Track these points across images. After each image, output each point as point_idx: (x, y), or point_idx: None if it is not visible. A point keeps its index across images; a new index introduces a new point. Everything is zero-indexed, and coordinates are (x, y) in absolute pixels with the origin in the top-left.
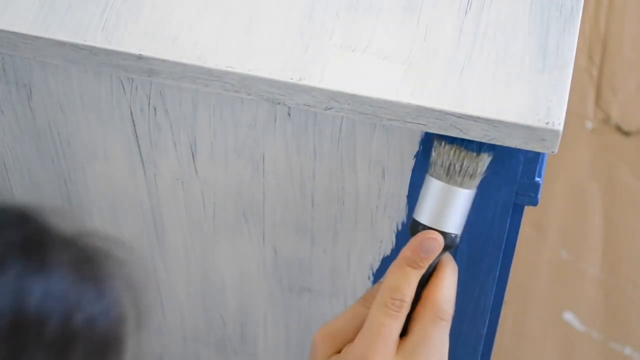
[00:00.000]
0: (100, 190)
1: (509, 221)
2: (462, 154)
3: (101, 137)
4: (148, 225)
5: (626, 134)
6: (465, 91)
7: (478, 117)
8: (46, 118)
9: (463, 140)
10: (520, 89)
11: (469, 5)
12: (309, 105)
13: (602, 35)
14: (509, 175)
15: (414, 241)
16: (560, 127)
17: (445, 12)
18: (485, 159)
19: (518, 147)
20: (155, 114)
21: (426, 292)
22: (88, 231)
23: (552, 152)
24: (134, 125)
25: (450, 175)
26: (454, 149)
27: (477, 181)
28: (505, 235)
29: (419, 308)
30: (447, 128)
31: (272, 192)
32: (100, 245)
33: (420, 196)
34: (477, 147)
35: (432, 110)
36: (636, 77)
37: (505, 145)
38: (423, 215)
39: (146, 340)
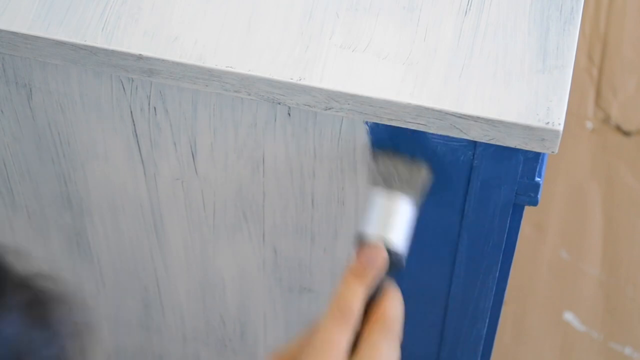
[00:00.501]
0: (100, 190)
1: (509, 221)
2: (397, 161)
3: (101, 137)
4: (148, 225)
5: (626, 134)
6: (465, 91)
7: (478, 117)
8: (46, 118)
9: (398, 149)
10: (520, 89)
11: (469, 5)
12: (309, 105)
13: (602, 35)
14: (509, 175)
15: (358, 254)
16: (560, 127)
17: (445, 12)
18: (420, 167)
19: (518, 147)
20: (155, 114)
21: (375, 310)
22: (41, 273)
23: (552, 152)
24: (134, 125)
25: (388, 183)
26: (389, 158)
27: (415, 188)
28: (505, 235)
29: (369, 324)
30: (447, 128)
31: (272, 192)
32: (52, 288)
33: (367, 209)
34: (410, 155)
35: (432, 110)
36: (636, 77)
37: (505, 145)
38: (366, 225)
39: (146, 340)
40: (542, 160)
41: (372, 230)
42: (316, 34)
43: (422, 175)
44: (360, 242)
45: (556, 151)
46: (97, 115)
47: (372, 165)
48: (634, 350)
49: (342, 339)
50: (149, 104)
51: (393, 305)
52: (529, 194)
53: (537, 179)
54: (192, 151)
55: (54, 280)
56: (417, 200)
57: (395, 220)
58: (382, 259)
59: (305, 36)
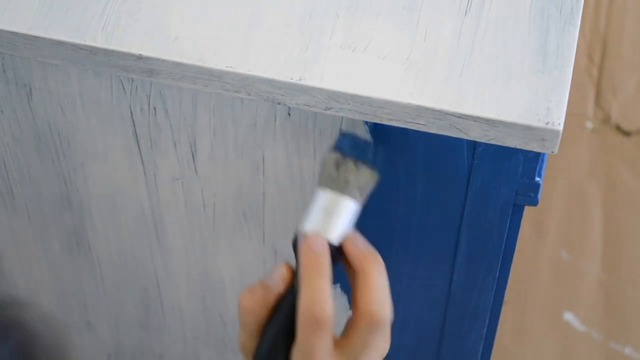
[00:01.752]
0: (100, 190)
1: (509, 221)
2: (354, 166)
3: (101, 137)
4: (148, 225)
5: (626, 134)
6: (465, 91)
7: (478, 117)
8: (46, 118)
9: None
10: (520, 89)
11: (469, 5)
12: (309, 105)
13: (602, 35)
14: (509, 175)
15: (302, 250)
16: (560, 127)
17: (445, 12)
18: (373, 173)
19: (518, 147)
20: (155, 114)
21: (356, 300)
22: (5, 301)
23: (552, 152)
24: (134, 125)
25: (340, 187)
26: (346, 162)
27: (365, 193)
28: (505, 235)
29: (354, 316)
30: (447, 128)
31: (272, 192)
32: (16, 316)
33: (307, 209)
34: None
35: (432, 110)
36: (636, 77)
37: (505, 145)
38: (306, 223)
39: (146, 340)
40: (542, 160)
41: (311, 227)
42: (316, 34)
43: (374, 181)
44: (300, 239)
45: (556, 151)
46: (97, 115)
47: (329, 169)
48: (634, 350)
49: (323, 345)
50: (149, 104)
51: (373, 289)
52: (529, 194)
53: (537, 179)
54: (192, 151)
55: (19, 308)
56: (363, 203)
57: (337, 221)
58: (323, 244)
59: (305, 36)
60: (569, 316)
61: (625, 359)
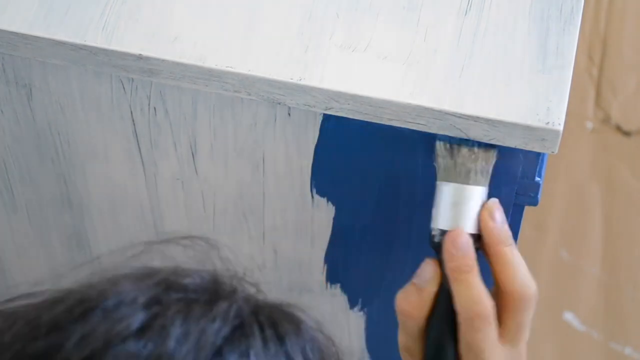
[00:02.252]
0: (100, 190)
1: (509, 221)
2: (471, 152)
3: (101, 137)
4: (148, 225)
5: (626, 134)
6: (465, 91)
7: (478, 117)
8: (46, 118)
9: (461, 139)
10: (520, 89)
11: (469, 6)
12: (309, 105)
13: (602, 35)
14: (509, 175)
15: (447, 249)
16: (561, 127)
17: (445, 12)
18: (492, 152)
19: (518, 147)
20: (155, 114)
21: (501, 281)
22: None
23: (552, 152)
24: (134, 125)
25: (465, 177)
26: (462, 151)
27: (488, 177)
28: None
29: (502, 298)
30: (447, 128)
31: (272, 192)
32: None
33: (434, 206)
34: (476, 143)
35: (432, 110)
36: (636, 77)
37: (505, 145)
38: (438, 221)
39: None
40: (542, 160)
41: (447, 224)
42: (316, 34)
43: (494, 158)
44: (434, 243)
45: (556, 151)
46: (97, 115)
47: (445, 161)
48: (634, 350)
49: (489, 339)
50: (149, 104)
51: (514, 270)
52: (529, 194)
53: (537, 179)
54: (192, 151)
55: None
56: (488, 183)
57: (470, 211)
58: (467, 239)
59: (305, 36)
60: (569, 316)
61: (625, 359)
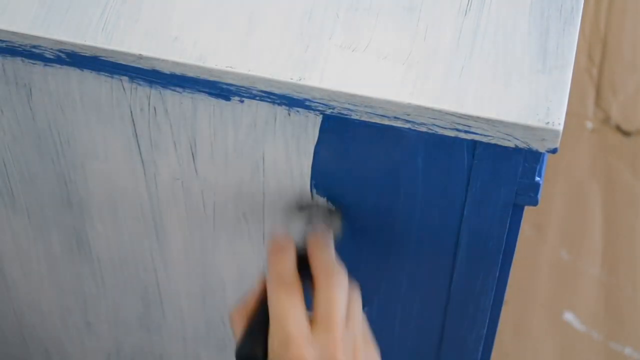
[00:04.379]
0: (100, 190)
1: (509, 221)
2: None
3: (101, 137)
4: (148, 225)
5: (626, 134)
6: (465, 91)
7: (478, 117)
8: (46, 118)
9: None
10: (520, 89)
11: (469, 5)
12: (309, 105)
13: (602, 35)
14: (509, 175)
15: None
16: (560, 127)
17: (445, 12)
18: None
19: (518, 147)
20: (155, 114)
21: (311, 266)
22: None
23: (552, 152)
24: (134, 125)
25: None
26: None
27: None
28: (505, 235)
29: (314, 279)
30: (447, 128)
31: (272, 192)
32: None
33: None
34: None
35: (432, 110)
36: (636, 77)
37: (505, 145)
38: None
39: (146, 340)
40: (542, 160)
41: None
42: (316, 34)
43: (339, 224)
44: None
45: (556, 151)
46: (97, 115)
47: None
48: (634, 350)
49: (296, 304)
50: (149, 104)
51: (318, 254)
52: (529, 194)
53: (537, 179)
54: (192, 151)
55: None
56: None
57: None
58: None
59: (305, 36)
60: (569, 316)
61: (625, 359)
